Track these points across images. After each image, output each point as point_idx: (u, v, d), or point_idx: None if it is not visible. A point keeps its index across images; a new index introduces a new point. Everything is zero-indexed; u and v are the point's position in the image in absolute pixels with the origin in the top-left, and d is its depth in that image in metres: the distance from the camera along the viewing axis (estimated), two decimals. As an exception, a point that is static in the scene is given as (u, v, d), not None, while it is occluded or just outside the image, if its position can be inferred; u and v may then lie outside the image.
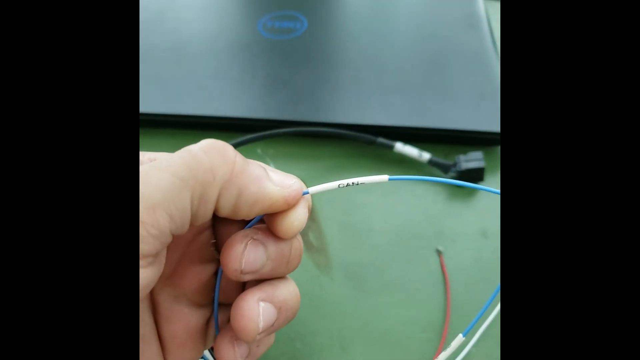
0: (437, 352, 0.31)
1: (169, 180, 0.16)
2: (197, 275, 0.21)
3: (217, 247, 0.22)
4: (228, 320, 0.22)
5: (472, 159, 0.38)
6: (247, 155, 0.20)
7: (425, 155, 0.39)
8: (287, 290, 0.20)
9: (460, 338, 0.20)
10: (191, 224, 0.18)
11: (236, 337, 0.20)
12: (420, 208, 0.38)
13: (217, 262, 0.22)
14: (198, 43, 0.47)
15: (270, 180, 0.19)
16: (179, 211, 0.17)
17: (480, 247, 0.36)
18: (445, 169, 0.39)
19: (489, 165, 0.39)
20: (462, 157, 0.38)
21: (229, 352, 0.20)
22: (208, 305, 0.22)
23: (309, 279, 0.34)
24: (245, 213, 0.18)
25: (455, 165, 0.39)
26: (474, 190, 0.39)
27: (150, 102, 0.42)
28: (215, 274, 0.22)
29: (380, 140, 0.40)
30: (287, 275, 0.21)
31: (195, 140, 0.19)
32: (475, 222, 0.37)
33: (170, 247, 0.20)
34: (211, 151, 0.18)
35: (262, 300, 0.19)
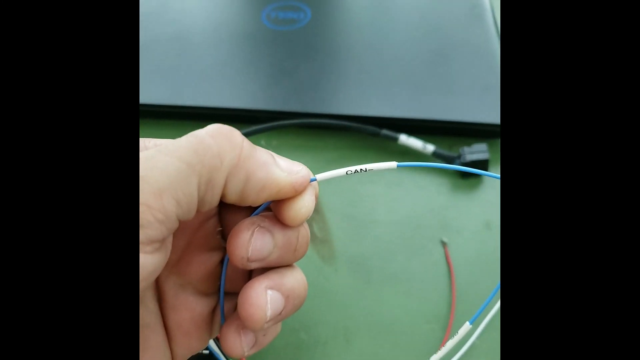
0: (443, 341, 0.31)
1: (175, 165, 0.16)
2: (203, 263, 0.21)
3: (224, 235, 0.21)
4: (234, 309, 0.22)
5: (476, 151, 0.38)
6: (250, 147, 0.20)
7: (430, 147, 0.39)
8: (294, 279, 0.20)
9: (467, 326, 0.20)
10: (198, 210, 0.17)
11: (242, 326, 0.20)
12: (425, 200, 0.38)
13: (224, 250, 0.21)
14: (201, 34, 0.47)
15: (277, 166, 0.18)
16: (186, 196, 0.16)
17: (484, 239, 0.36)
18: (449, 161, 0.39)
19: (493, 157, 0.39)
20: (466, 149, 0.38)
21: (235, 341, 0.20)
22: (214, 294, 0.22)
23: (313, 270, 0.34)
24: (253, 199, 0.18)
25: (459, 157, 0.39)
26: (478, 182, 0.39)
27: (153, 93, 0.42)
28: (222, 262, 0.21)
29: (385, 132, 0.39)
30: (294, 264, 0.21)
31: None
32: (479, 214, 0.37)
33: (176, 235, 0.20)
34: (218, 136, 0.17)
35: (270, 288, 0.19)
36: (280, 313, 0.19)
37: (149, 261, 0.16)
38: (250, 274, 0.22)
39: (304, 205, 0.19)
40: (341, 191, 0.38)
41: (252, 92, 0.42)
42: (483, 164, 0.38)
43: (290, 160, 0.19)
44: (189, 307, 0.21)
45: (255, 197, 0.18)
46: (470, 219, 0.37)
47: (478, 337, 0.30)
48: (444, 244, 0.35)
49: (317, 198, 0.20)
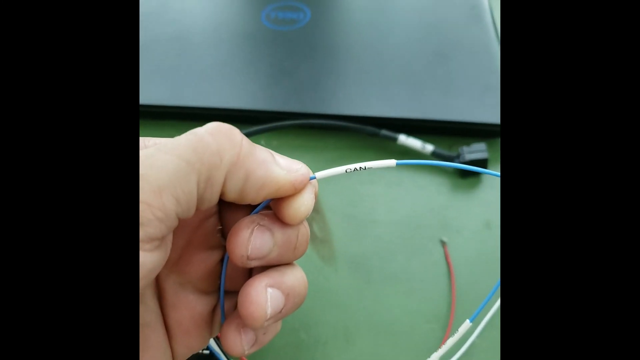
0: (444, 340, 0.31)
1: (175, 162, 0.16)
2: (203, 262, 0.21)
3: (224, 233, 0.21)
4: (234, 307, 0.22)
5: (476, 151, 0.38)
6: (250, 147, 0.20)
7: (429, 147, 0.39)
8: (294, 277, 0.20)
9: (467, 324, 0.20)
10: (197, 208, 0.17)
11: (242, 325, 0.20)
12: (424, 200, 0.38)
13: (224, 248, 0.21)
14: (201, 34, 0.47)
15: (277, 164, 0.18)
16: (185, 194, 0.16)
17: (484, 238, 0.36)
18: (448, 161, 0.39)
19: (492, 156, 0.39)
20: (465, 149, 0.38)
21: (235, 340, 0.20)
22: (214, 293, 0.22)
23: (313, 270, 0.34)
24: (252, 197, 0.18)
25: (458, 156, 0.39)
26: (478, 182, 0.39)
27: (152, 93, 0.42)
28: (222, 260, 0.21)
29: (384, 132, 0.39)
30: (295, 262, 0.21)
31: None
32: (479, 213, 0.37)
33: (176, 234, 0.20)
34: (218, 134, 0.17)
35: (270, 286, 0.19)
36: (280, 311, 0.19)
37: (149, 259, 0.16)
38: (250, 273, 0.22)
39: (304, 203, 0.19)
40: (341, 191, 0.38)
41: (251, 93, 0.42)
42: (482, 164, 0.38)
43: (290, 159, 0.19)
44: (189, 306, 0.21)
45: (255, 195, 0.18)
46: (470, 219, 0.37)
47: (478, 336, 0.30)
48: (443, 243, 0.35)
49: (316, 196, 0.20)
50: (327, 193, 0.38)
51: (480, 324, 0.30)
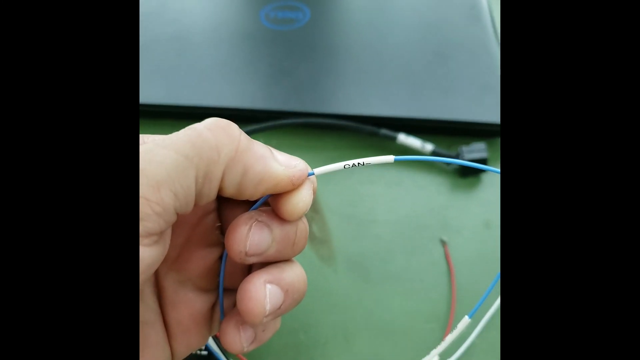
0: (444, 337, 0.31)
1: (173, 157, 0.16)
2: (202, 259, 0.21)
3: (222, 230, 0.21)
4: (234, 305, 0.22)
5: (475, 150, 0.38)
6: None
7: (428, 147, 0.39)
8: (293, 273, 0.20)
9: (466, 320, 0.20)
10: (196, 203, 0.17)
11: (242, 322, 0.20)
12: (424, 199, 0.38)
13: (223, 246, 0.21)
14: (200, 33, 0.47)
15: (275, 159, 0.18)
16: (184, 189, 0.16)
17: (484, 238, 0.36)
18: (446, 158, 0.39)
19: (492, 156, 0.39)
20: (464, 148, 0.38)
21: (235, 337, 0.20)
22: (213, 291, 0.22)
23: (312, 270, 0.34)
24: (250, 193, 0.18)
25: (457, 156, 0.39)
26: (477, 181, 0.39)
27: (152, 92, 0.42)
28: (221, 258, 0.21)
29: (383, 131, 0.39)
30: (294, 259, 0.21)
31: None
32: (479, 213, 0.37)
33: (175, 231, 0.20)
34: (216, 129, 0.17)
35: (269, 282, 0.19)
36: (279, 307, 0.19)
37: (147, 254, 0.16)
38: (249, 270, 0.22)
39: (302, 199, 0.19)
40: (341, 191, 0.38)
41: (251, 92, 0.42)
42: (481, 163, 0.38)
43: (288, 155, 0.19)
44: (189, 304, 0.21)
45: (253, 191, 0.18)
46: (470, 218, 0.37)
47: (477, 336, 0.30)
48: (443, 243, 0.35)
49: (315, 193, 0.20)
50: (327, 193, 0.38)
51: (480, 324, 0.30)
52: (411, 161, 0.40)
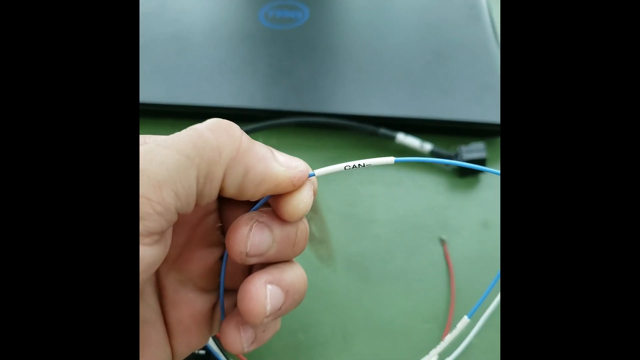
0: (443, 336, 0.31)
1: (174, 157, 0.16)
2: (203, 259, 0.21)
3: (223, 230, 0.21)
4: (234, 305, 0.22)
5: (474, 150, 0.38)
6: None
7: (427, 146, 0.39)
8: (294, 274, 0.20)
9: (465, 320, 0.20)
10: (197, 204, 0.17)
11: (242, 322, 0.20)
12: (423, 199, 0.38)
13: (223, 246, 0.21)
14: (199, 33, 0.47)
15: (276, 160, 0.19)
16: (185, 189, 0.16)
17: (482, 238, 0.36)
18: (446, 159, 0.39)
19: (491, 156, 0.39)
20: (463, 148, 0.38)
21: (235, 337, 0.20)
22: (214, 291, 0.22)
23: (311, 270, 0.34)
24: (251, 193, 0.18)
25: (456, 156, 0.39)
26: (476, 181, 0.39)
27: (151, 92, 0.42)
28: (222, 258, 0.21)
29: (382, 131, 0.39)
30: (294, 260, 0.21)
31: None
32: (477, 213, 0.37)
33: (176, 231, 0.20)
34: (217, 129, 0.17)
35: (270, 282, 0.19)
36: (280, 308, 0.19)
37: (148, 253, 0.16)
38: (250, 271, 0.22)
39: (302, 200, 0.19)
40: (340, 191, 0.38)
41: (250, 91, 0.42)
42: (480, 163, 0.38)
43: (289, 156, 0.19)
44: (189, 304, 0.21)
45: (254, 191, 0.18)
46: (468, 218, 0.37)
47: (476, 336, 0.30)
48: (443, 242, 0.35)
49: (315, 194, 0.20)
50: (326, 193, 0.38)
51: (478, 323, 0.30)
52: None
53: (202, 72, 0.43)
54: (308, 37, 0.46)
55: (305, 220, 0.20)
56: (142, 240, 0.16)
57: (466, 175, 0.39)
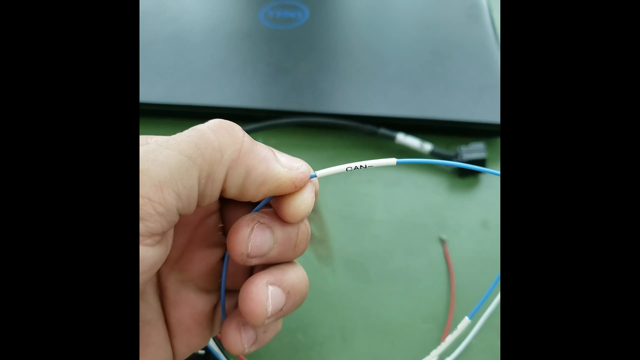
0: (443, 337, 0.31)
1: (176, 158, 0.16)
2: (204, 259, 0.21)
3: (225, 231, 0.21)
4: (235, 306, 0.22)
5: (474, 150, 0.38)
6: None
7: (427, 146, 0.39)
8: (295, 275, 0.20)
9: (466, 321, 0.20)
10: (198, 204, 0.17)
11: (243, 323, 0.20)
12: (422, 199, 0.38)
13: (225, 246, 0.21)
14: (199, 32, 0.47)
15: (278, 161, 0.19)
16: (187, 190, 0.16)
17: (482, 238, 0.36)
18: (447, 160, 0.39)
19: (491, 156, 0.39)
20: (463, 148, 0.38)
21: (236, 338, 0.20)
22: (215, 291, 0.22)
23: (310, 270, 0.34)
24: (252, 194, 0.18)
25: (456, 156, 0.39)
26: (475, 181, 0.39)
27: (151, 91, 0.42)
28: (223, 258, 0.21)
29: (382, 131, 0.39)
30: (295, 261, 0.21)
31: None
32: (477, 213, 0.37)
33: (177, 231, 0.20)
34: (219, 130, 0.17)
35: (271, 284, 0.19)
36: (281, 309, 0.19)
37: (150, 254, 0.16)
38: (251, 271, 0.22)
39: (304, 201, 0.19)
40: (339, 190, 0.38)
41: (250, 91, 0.42)
42: (480, 163, 0.38)
43: (291, 157, 0.19)
44: (190, 304, 0.21)
45: (255, 192, 0.18)
46: (468, 218, 0.37)
47: (475, 337, 0.30)
48: (443, 241, 0.35)
49: (317, 195, 0.20)
50: (325, 192, 0.38)
51: (477, 324, 0.30)
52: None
53: (202, 72, 0.43)
54: (308, 37, 0.46)
55: (306, 222, 0.20)
56: (144, 240, 0.16)
57: (466, 175, 0.39)
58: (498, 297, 0.23)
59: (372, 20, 0.48)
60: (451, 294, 0.33)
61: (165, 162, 0.16)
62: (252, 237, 0.19)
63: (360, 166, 0.19)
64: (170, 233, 0.18)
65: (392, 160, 0.19)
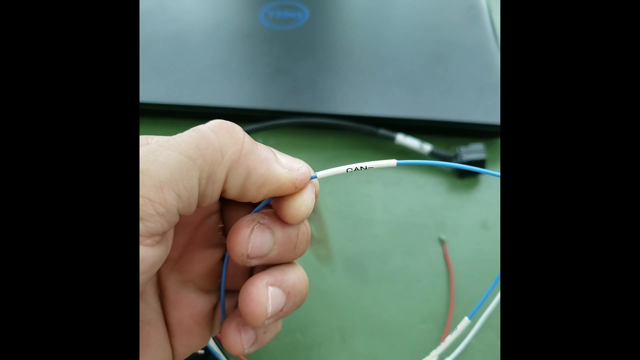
0: (443, 337, 0.31)
1: (177, 158, 0.16)
2: (204, 260, 0.21)
3: (225, 232, 0.22)
4: (235, 306, 0.22)
5: (473, 151, 0.38)
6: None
7: (427, 147, 0.39)
8: (295, 276, 0.20)
9: (466, 321, 0.20)
10: (198, 205, 0.17)
11: (243, 323, 0.20)
12: (422, 199, 0.38)
13: (225, 247, 0.22)
14: (199, 33, 0.47)
15: (278, 162, 0.19)
16: (187, 190, 0.16)
17: (481, 238, 0.36)
18: (446, 161, 0.39)
19: (490, 157, 0.39)
20: (463, 149, 0.38)
21: (235, 339, 0.20)
22: (215, 292, 0.22)
23: (309, 270, 0.34)
24: (253, 195, 0.18)
25: (456, 157, 0.39)
26: (475, 182, 0.39)
27: (151, 91, 0.42)
28: (223, 259, 0.21)
29: (382, 131, 0.40)
30: (295, 261, 0.21)
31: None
32: (476, 213, 0.37)
33: (178, 232, 0.20)
34: (220, 131, 0.17)
35: (271, 284, 0.19)
36: (281, 310, 0.19)
37: (150, 254, 0.16)
38: (251, 272, 0.22)
39: (304, 202, 0.19)
40: (338, 191, 0.38)
41: (249, 91, 0.42)
42: (480, 164, 0.38)
43: (291, 157, 0.19)
44: (190, 304, 0.21)
45: (256, 193, 0.18)
46: (467, 219, 0.37)
47: (474, 337, 0.30)
48: (442, 242, 0.35)
49: (317, 196, 0.20)
50: (325, 193, 0.38)
51: (477, 325, 0.30)
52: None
53: (201, 72, 0.43)
54: (308, 37, 0.46)
55: (306, 223, 0.20)
56: (144, 241, 0.16)
57: (465, 176, 0.39)
58: (498, 298, 0.23)
59: (372, 21, 0.48)
60: (451, 294, 0.33)
61: (165, 163, 0.16)
62: (252, 238, 0.19)
63: (361, 167, 0.19)
64: (171, 233, 0.18)
65: (393, 162, 0.19)
